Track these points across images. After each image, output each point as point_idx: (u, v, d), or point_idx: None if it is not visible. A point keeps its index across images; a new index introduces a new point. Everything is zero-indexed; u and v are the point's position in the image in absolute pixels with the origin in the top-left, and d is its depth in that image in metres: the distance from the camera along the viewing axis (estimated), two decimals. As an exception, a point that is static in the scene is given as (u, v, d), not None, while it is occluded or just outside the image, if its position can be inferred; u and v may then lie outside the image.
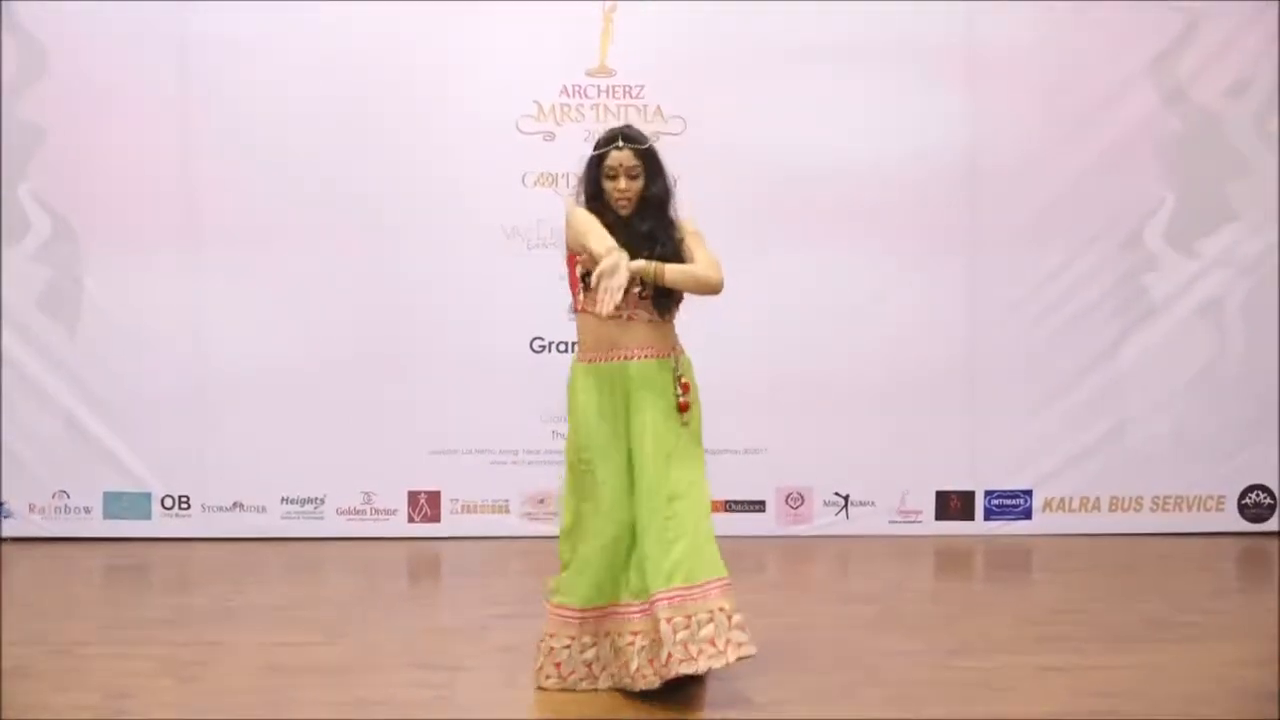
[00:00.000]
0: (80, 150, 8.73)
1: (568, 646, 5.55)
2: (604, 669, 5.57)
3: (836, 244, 8.75)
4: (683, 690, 5.50)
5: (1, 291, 8.74)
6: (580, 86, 8.87)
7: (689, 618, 5.30)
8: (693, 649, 5.26)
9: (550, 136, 8.85)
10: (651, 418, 5.53)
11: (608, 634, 5.56)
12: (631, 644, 5.47)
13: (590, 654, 5.57)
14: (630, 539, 5.50)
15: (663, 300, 5.59)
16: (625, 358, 5.58)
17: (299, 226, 8.77)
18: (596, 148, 5.67)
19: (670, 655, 5.27)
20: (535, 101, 8.86)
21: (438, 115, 8.83)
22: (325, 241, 8.79)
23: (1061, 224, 8.96)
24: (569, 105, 8.87)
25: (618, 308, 5.26)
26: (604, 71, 8.86)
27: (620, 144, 5.61)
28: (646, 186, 5.64)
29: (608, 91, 8.85)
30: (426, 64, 8.81)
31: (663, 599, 5.31)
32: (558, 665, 5.56)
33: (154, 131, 8.75)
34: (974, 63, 8.91)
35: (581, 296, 5.58)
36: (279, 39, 8.75)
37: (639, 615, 5.48)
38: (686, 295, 5.61)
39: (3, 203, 8.70)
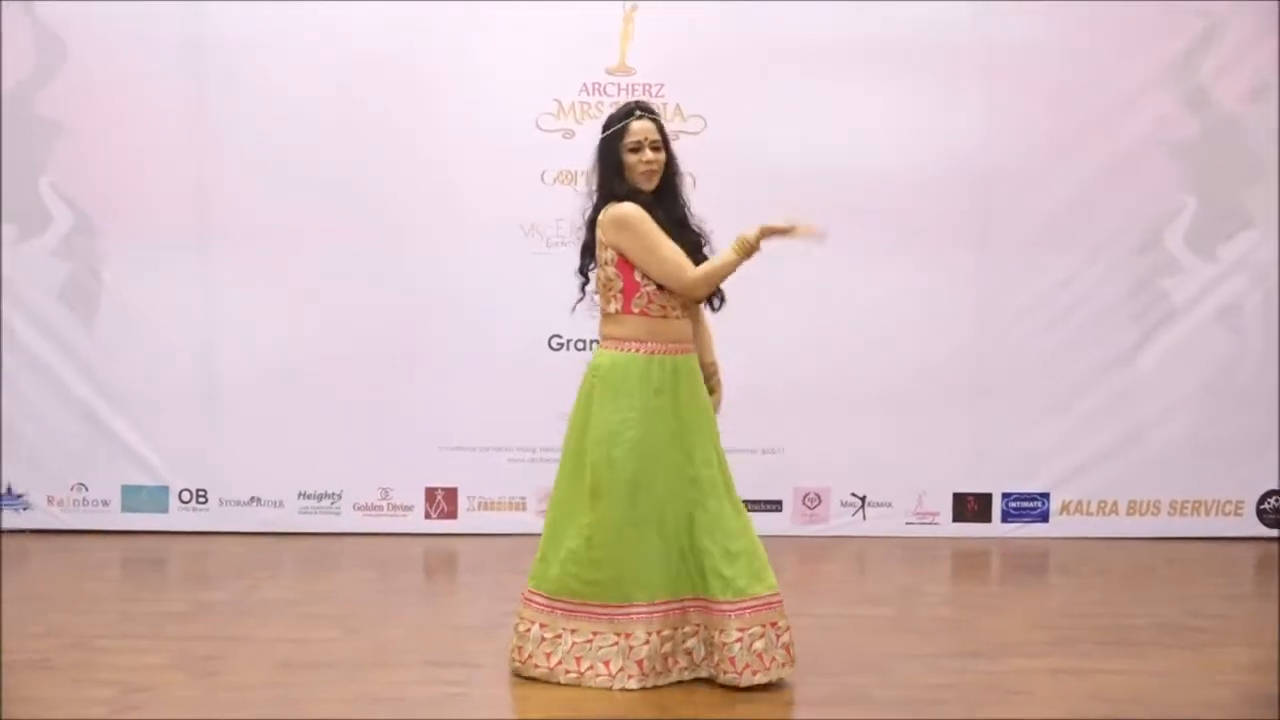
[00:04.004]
0: (100, 145, 8.76)
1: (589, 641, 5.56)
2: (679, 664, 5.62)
3: (855, 245, 8.74)
4: (699, 690, 5.56)
5: (1, 282, 8.79)
6: (600, 85, 8.87)
7: (760, 627, 5.51)
8: (766, 659, 5.50)
9: (570, 134, 8.85)
10: (710, 415, 5.71)
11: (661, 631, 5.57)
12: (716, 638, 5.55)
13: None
14: (662, 530, 5.56)
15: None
16: (679, 351, 5.61)
17: (317, 222, 8.79)
18: (612, 123, 5.66)
19: (745, 664, 5.48)
20: (555, 99, 8.88)
21: (458, 113, 8.85)
22: (343, 237, 8.81)
23: (1081, 226, 8.95)
24: (589, 103, 8.87)
25: (665, 307, 5.52)
26: (624, 70, 8.87)
27: (639, 114, 5.61)
28: (669, 159, 5.65)
29: (628, 90, 8.85)
30: (447, 61, 8.83)
31: (731, 610, 5.50)
32: (639, 662, 5.54)
33: (172, 127, 8.78)
34: (991, 64, 8.90)
35: (639, 298, 5.55)
36: (296, 36, 8.78)
37: (697, 610, 5.59)
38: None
39: (6, 196, 8.75)
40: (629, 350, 5.54)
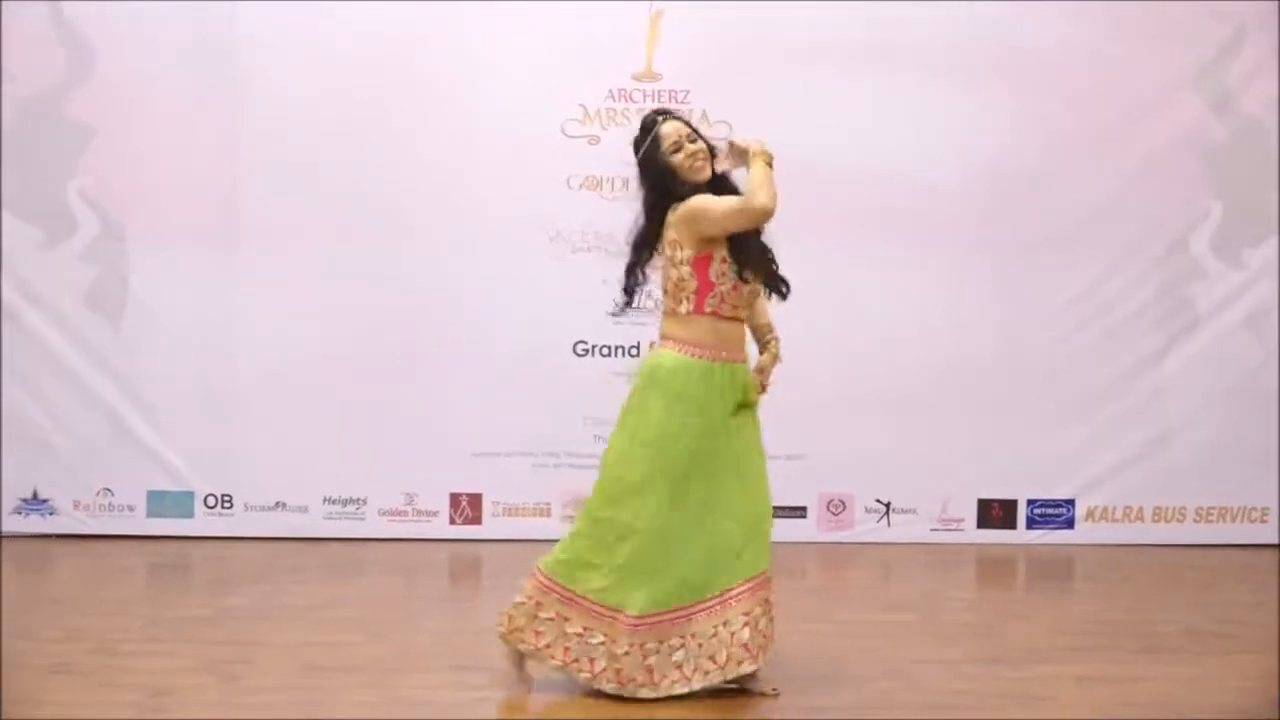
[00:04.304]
0: (127, 149, 8.77)
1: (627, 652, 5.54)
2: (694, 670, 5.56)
3: (880, 249, 8.75)
4: (722, 694, 5.55)
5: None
6: (626, 90, 8.88)
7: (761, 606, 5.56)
8: (771, 634, 5.57)
9: (595, 140, 8.87)
10: (757, 424, 5.78)
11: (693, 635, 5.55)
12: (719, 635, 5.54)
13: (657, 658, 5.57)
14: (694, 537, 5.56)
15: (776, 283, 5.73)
16: (738, 360, 5.64)
17: (342, 228, 8.81)
18: (641, 136, 5.65)
19: (758, 646, 5.53)
20: (581, 105, 8.89)
21: (483, 118, 8.86)
22: (370, 242, 8.83)
23: (1106, 232, 8.94)
24: (615, 109, 8.88)
25: (735, 306, 5.54)
26: (650, 75, 8.87)
27: (662, 118, 5.62)
28: (708, 144, 5.66)
29: (653, 96, 8.85)
30: (472, 67, 8.85)
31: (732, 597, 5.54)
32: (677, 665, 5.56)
33: (199, 131, 8.79)
34: (1017, 67, 8.90)
35: (713, 297, 5.53)
36: (323, 41, 8.80)
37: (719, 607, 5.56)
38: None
39: (49, 200, 8.78)
40: (691, 354, 5.51)
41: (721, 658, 5.50)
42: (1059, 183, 8.92)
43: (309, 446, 8.92)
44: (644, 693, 5.47)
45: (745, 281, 5.55)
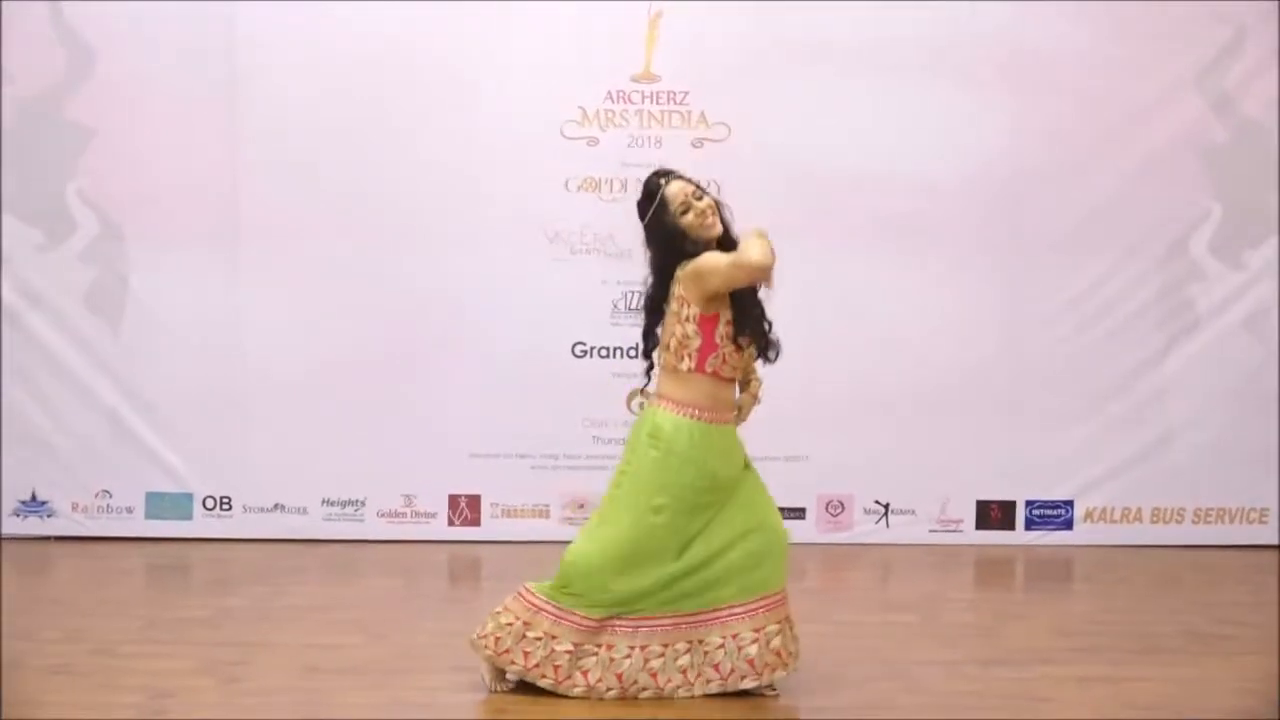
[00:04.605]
0: (126, 150, 8.77)
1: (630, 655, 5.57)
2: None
3: (879, 250, 8.75)
4: (722, 694, 5.57)
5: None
6: (624, 92, 8.87)
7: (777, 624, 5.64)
8: (784, 654, 5.65)
9: (594, 142, 8.86)
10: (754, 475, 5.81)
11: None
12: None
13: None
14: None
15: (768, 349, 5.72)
16: (731, 422, 5.69)
17: (341, 229, 8.80)
18: (646, 201, 5.61)
19: (765, 664, 5.59)
20: (580, 107, 8.88)
21: (482, 119, 8.85)
22: (368, 244, 8.82)
23: (1106, 233, 8.94)
24: (613, 110, 8.88)
25: (734, 369, 5.59)
26: (648, 77, 8.87)
27: (666, 179, 5.59)
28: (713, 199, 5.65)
29: (652, 97, 8.86)
30: (471, 68, 8.84)
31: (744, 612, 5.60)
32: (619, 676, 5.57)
33: (199, 132, 8.78)
34: (1018, 70, 8.89)
35: (714, 358, 5.53)
36: (323, 43, 8.79)
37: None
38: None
39: (48, 201, 8.77)
40: (690, 415, 5.51)
41: (726, 669, 5.56)
42: (1059, 184, 8.93)
43: (308, 448, 8.92)
44: (645, 694, 5.51)
45: (740, 347, 5.57)
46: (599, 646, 5.52)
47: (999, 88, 8.90)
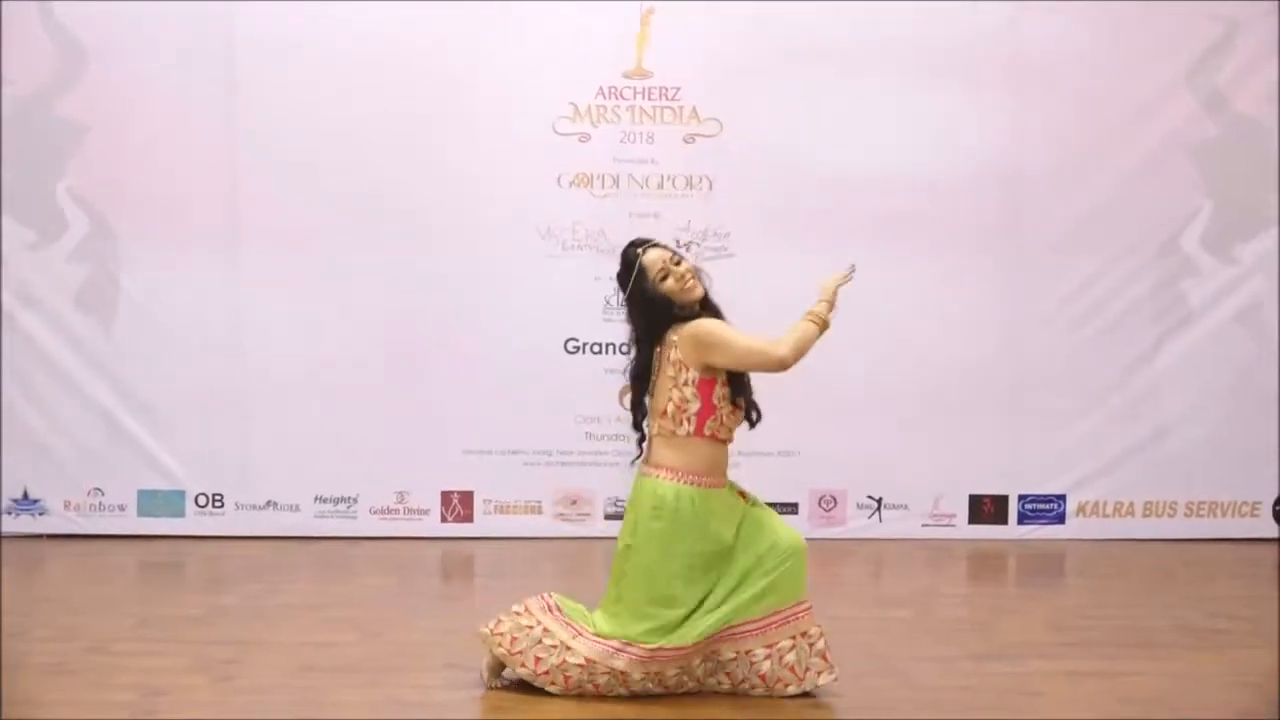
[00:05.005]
0: (119, 150, 8.76)
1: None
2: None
3: (872, 247, 8.73)
4: (715, 693, 5.60)
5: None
6: (617, 88, 8.87)
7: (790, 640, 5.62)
8: (799, 670, 5.62)
9: (586, 138, 8.86)
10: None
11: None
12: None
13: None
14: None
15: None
16: (725, 484, 5.68)
17: (334, 226, 8.80)
18: (625, 271, 5.59)
19: (777, 678, 5.61)
20: (572, 103, 8.88)
21: (475, 116, 8.85)
22: (360, 241, 8.82)
23: (1099, 230, 8.95)
24: (605, 106, 8.88)
25: (730, 430, 5.59)
26: (641, 73, 8.86)
27: (644, 249, 5.58)
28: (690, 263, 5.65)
29: (644, 93, 8.86)
30: (465, 65, 8.83)
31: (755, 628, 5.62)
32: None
33: (192, 132, 8.77)
34: (1014, 69, 8.90)
35: (713, 421, 5.53)
36: (318, 41, 8.78)
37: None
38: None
39: (39, 200, 8.75)
40: (691, 483, 5.51)
41: (738, 678, 5.60)
42: (1054, 183, 8.94)
43: (300, 445, 8.91)
44: (659, 690, 5.56)
45: (739, 407, 5.59)
46: (610, 671, 5.51)
47: (997, 88, 8.92)
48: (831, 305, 5.62)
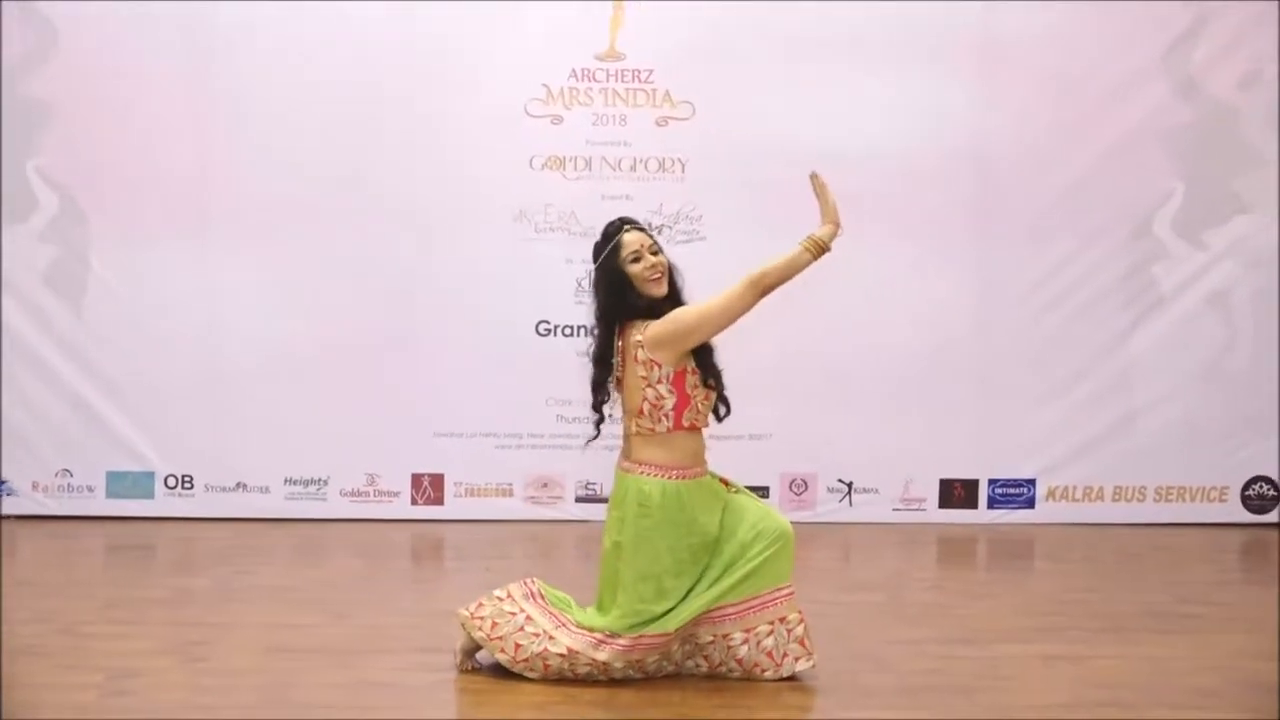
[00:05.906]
0: (90, 130, 8.71)
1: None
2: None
3: (849, 232, 8.73)
4: (689, 679, 5.62)
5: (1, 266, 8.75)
6: (589, 70, 8.85)
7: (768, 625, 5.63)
8: (777, 655, 5.63)
9: (559, 120, 8.84)
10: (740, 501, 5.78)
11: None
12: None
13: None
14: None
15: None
16: (705, 470, 5.68)
17: (307, 208, 8.77)
18: (604, 244, 5.58)
19: (754, 663, 5.62)
20: (544, 85, 8.86)
21: (447, 99, 8.82)
22: (332, 224, 8.79)
23: (1071, 214, 8.96)
24: (578, 89, 8.86)
25: (705, 415, 5.60)
26: (613, 55, 8.85)
27: (627, 227, 5.57)
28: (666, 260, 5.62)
29: (617, 75, 8.85)
30: (436, 47, 8.80)
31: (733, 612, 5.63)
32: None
33: (164, 113, 8.73)
34: (985, 53, 8.91)
35: (689, 411, 5.52)
36: (290, 23, 8.75)
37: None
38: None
39: (7, 179, 8.69)
40: (675, 478, 5.50)
41: (715, 661, 5.62)
42: (1026, 167, 8.96)
43: (270, 427, 8.89)
44: (637, 674, 5.57)
45: (711, 388, 5.57)
46: (593, 659, 5.50)
47: (966, 70, 8.92)
48: (837, 226, 5.80)
